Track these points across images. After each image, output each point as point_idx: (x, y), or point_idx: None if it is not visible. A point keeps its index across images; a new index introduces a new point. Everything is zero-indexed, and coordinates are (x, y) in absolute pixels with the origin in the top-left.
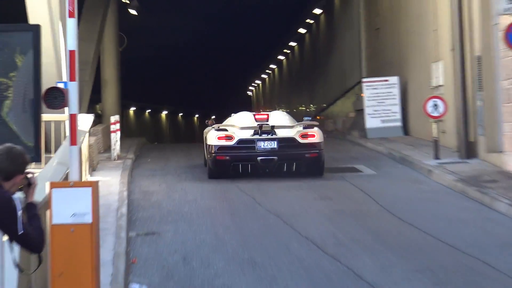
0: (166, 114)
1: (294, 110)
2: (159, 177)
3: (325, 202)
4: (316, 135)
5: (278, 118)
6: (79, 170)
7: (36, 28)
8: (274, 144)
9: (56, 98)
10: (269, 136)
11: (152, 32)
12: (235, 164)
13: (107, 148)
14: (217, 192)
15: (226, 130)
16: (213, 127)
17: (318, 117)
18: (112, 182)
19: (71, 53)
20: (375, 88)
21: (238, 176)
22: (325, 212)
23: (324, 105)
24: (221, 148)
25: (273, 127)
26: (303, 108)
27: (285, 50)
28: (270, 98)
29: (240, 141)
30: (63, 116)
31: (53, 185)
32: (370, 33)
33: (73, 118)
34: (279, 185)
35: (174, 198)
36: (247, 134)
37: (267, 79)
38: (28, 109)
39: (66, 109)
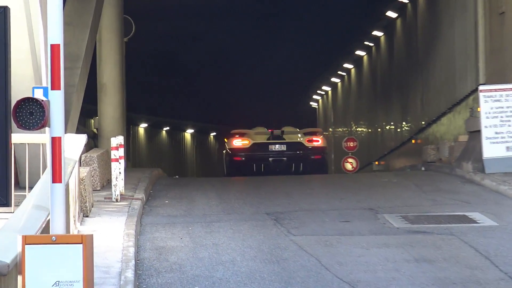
0: (192, 134)
1: (379, 130)
2: (181, 227)
3: (422, 266)
4: (320, 141)
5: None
6: (65, 218)
7: (3, 11)
8: (283, 147)
9: (32, 114)
10: (280, 141)
11: (172, 14)
12: (250, 164)
13: (106, 183)
14: (264, 248)
15: (244, 134)
16: (232, 132)
17: (414, 141)
18: (112, 233)
19: (54, 48)
20: (497, 100)
21: (295, 225)
22: (422, 281)
23: (423, 123)
24: (237, 150)
25: (283, 132)
26: (392, 128)
27: (366, 42)
28: (344, 112)
29: (255, 144)
30: (41, 138)
31: (28, 240)
32: (491, 20)
33: (56, 144)
34: (354, 239)
35: (202, 258)
36: (261, 139)
37: (339, 84)
38: None
39: (46, 129)
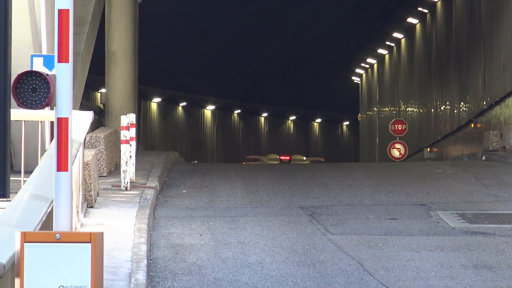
0: (212, 111)
1: (432, 112)
2: (201, 221)
3: (482, 273)
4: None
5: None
6: (71, 212)
7: None
8: None
9: (36, 91)
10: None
11: None
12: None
13: (114, 169)
14: (297, 249)
15: (257, 160)
16: (247, 158)
17: (473, 125)
18: (121, 228)
19: (62, 14)
20: None
21: (334, 222)
22: None
23: (484, 104)
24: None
25: (290, 159)
26: (448, 109)
27: (420, 8)
28: (391, 89)
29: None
30: (40, 114)
31: (27, 238)
32: None
33: (63, 126)
34: (402, 240)
35: (225, 259)
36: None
37: (386, 56)
38: None
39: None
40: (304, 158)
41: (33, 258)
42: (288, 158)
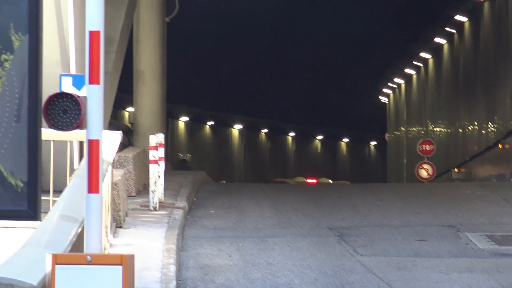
0: (240, 130)
1: (460, 131)
2: (229, 242)
3: None
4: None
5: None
6: (101, 234)
7: None
8: None
9: (66, 112)
10: None
11: None
12: None
13: (142, 188)
14: (326, 270)
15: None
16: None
17: (501, 146)
18: (150, 248)
19: (93, 36)
20: None
21: (363, 243)
22: None
23: None
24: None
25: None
26: (475, 129)
27: (447, 28)
28: (419, 109)
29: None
30: (69, 134)
31: (58, 260)
32: None
33: (93, 147)
34: (431, 262)
35: (254, 280)
36: None
37: (414, 76)
38: (22, 120)
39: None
40: (331, 181)
41: (64, 280)
42: (315, 181)
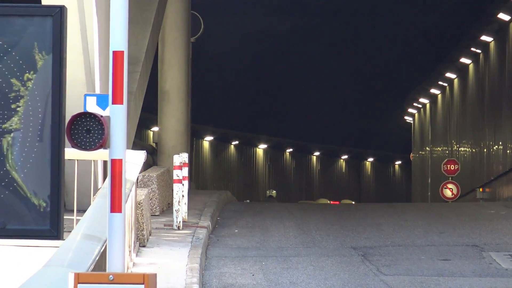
0: (264, 150)
1: (485, 151)
2: (253, 261)
3: None
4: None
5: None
6: (124, 254)
7: (59, 12)
8: None
9: (90, 132)
10: None
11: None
12: None
13: (166, 208)
14: None
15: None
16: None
17: None
18: (173, 267)
19: (117, 56)
20: None
21: (386, 263)
22: None
23: None
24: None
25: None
26: (500, 149)
27: (473, 49)
28: (444, 129)
29: None
30: (93, 154)
31: (81, 279)
32: None
33: (117, 167)
34: (455, 281)
35: None
36: None
37: (439, 96)
38: (45, 140)
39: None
40: (353, 202)
41: None
42: (337, 203)
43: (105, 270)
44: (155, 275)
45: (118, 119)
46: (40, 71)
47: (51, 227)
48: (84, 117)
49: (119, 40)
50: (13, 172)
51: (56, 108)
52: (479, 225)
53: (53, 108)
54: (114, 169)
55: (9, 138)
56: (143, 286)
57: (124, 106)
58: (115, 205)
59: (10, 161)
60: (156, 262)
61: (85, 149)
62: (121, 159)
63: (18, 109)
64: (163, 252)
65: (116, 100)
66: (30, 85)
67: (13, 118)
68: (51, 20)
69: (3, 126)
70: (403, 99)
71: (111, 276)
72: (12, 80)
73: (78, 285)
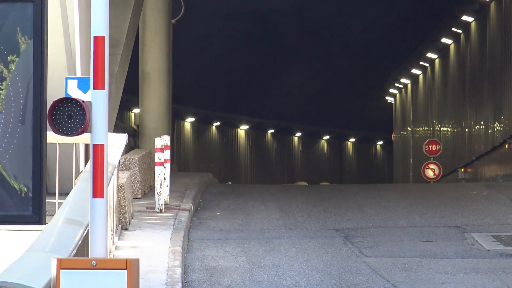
0: (246, 131)
1: (466, 131)
2: (235, 244)
3: None
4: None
5: None
6: (106, 239)
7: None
8: None
9: (71, 118)
10: None
11: None
12: None
13: (148, 190)
14: (332, 271)
15: None
16: None
17: (508, 146)
18: (155, 250)
19: (98, 41)
20: None
21: (369, 245)
22: None
23: None
24: None
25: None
26: (482, 129)
27: (454, 29)
28: (425, 109)
29: None
30: (74, 137)
31: (64, 264)
32: None
33: (98, 152)
34: (437, 263)
35: (260, 282)
36: None
37: (420, 77)
38: (27, 124)
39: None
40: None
41: (69, 284)
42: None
43: (87, 254)
44: (137, 260)
45: (99, 104)
46: (23, 54)
47: (33, 212)
48: (66, 102)
49: (100, 25)
50: None
51: (38, 93)
52: (461, 206)
53: (34, 92)
54: (96, 154)
55: None
56: (125, 271)
57: (105, 91)
58: (97, 191)
59: None
60: (138, 245)
61: (66, 134)
62: (103, 144)
63: (0, 91)
64: (145, 235)
65: (98, 85)
66: (13, 68)
67: None
68: (32, 6)
69: None
70: (385, 79)
71: (93, 261)
72: None
73: (61, 270)
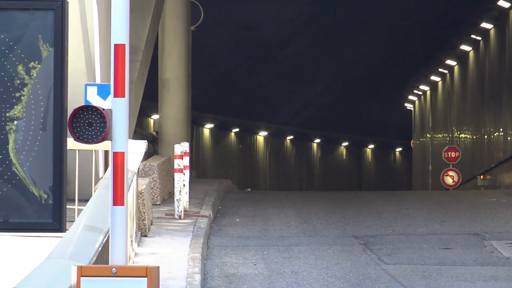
0: (265, 137)
1: (486, 138)
2: (254, 251)
3: None
4: None
5: None
6: (127, 246)
7: (60, 5)
8: None
9: (92, 125)
10: None
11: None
12: None
13: (167, 197)
14: (351, 278)
15: None
16: None
17: None
18: (175, 257)
19: (119, 49)
20: None
21: (388, 252)
22: None
23: None
24: None
25: None
26: (501, 136)
27: (473, 36)
28: (444, 116)
29: None
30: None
31: (84, 272)
32: None
33: (119, 160)
34: (457, 270)
35: None
36: None
37: (439, 84)
38: (48, 131)
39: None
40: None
41: None
42: None
43: (107, 261)
44: (157, 268)
45: (120, 112)
46: (44, 61)
47: (53, 220)
48: (86, 110)
49: (120, 33)
50: (17, 164)
51: (58, 99)
52: (480, 214)
53: (55, 99)
54: (116, 162)
55: (13, 127)
56: (146, 279)
57: (126, 99)
58: (118, 198)
59: (14, 152)
60: (158, 252)
61: (87, 142)
62: (123, 152)
63: (22, 98)
64: (165, 242)
65: (118, 93)
66: (34, 74)
67: (16, 107)
68: (53, 14)
69: (7, 114)
70: (403, 86)
71: (114, 269)
72: (19, 66)
73: (81, 278)
